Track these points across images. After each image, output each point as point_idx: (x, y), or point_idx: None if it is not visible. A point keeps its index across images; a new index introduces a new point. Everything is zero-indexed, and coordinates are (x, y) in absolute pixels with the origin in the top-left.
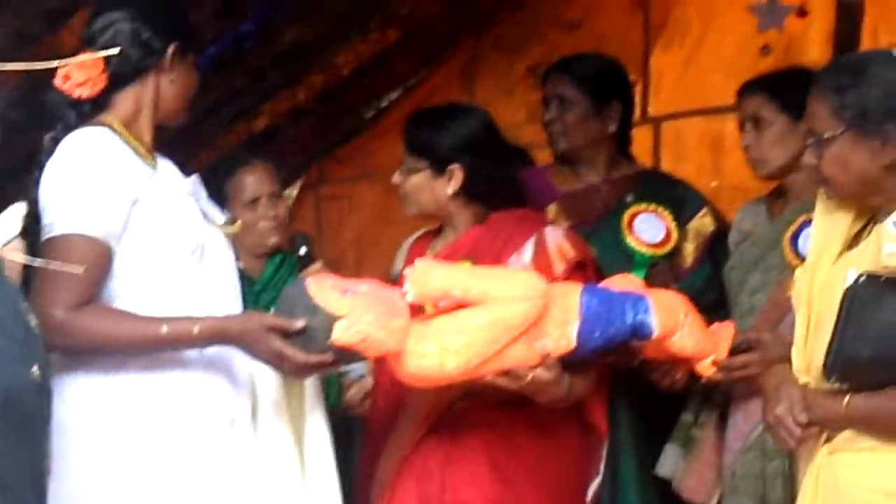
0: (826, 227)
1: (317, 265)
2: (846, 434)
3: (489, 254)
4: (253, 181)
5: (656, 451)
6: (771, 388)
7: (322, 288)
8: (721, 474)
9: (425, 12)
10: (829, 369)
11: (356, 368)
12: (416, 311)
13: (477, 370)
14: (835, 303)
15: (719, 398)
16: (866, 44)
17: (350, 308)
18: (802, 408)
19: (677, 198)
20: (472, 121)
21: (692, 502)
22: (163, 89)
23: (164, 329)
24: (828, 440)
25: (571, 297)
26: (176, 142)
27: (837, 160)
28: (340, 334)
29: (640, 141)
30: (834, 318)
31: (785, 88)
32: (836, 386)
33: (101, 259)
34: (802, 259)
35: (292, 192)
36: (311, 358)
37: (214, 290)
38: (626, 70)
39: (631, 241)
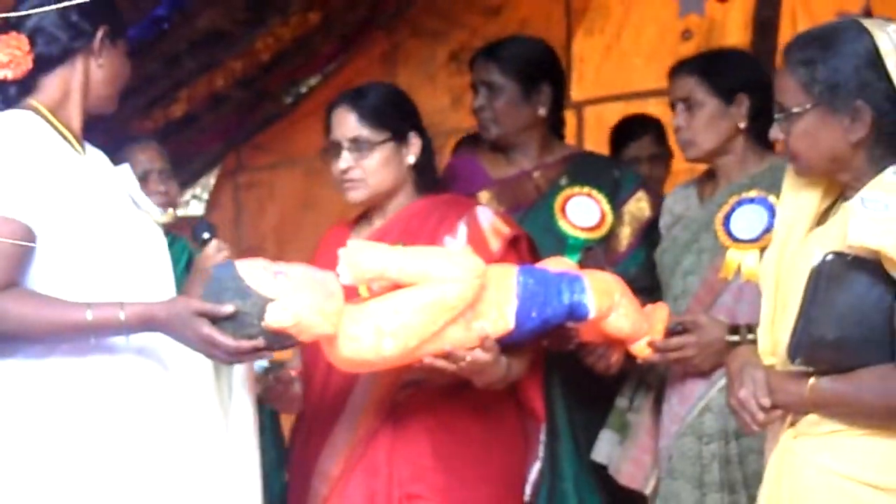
0: (793, 204)
1: (213, 243)
2: (811, 417)
3: (421, 236)
4: (143, 158)
5: (593, 436)
6: (735, 370)
7: (253, 270)
8: (658, 459)
9: None
10: (792, 351)
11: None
12: (351, 293)
13: (414, 352)
14: (801, 282)
15: (654, 382)
16: (785, 29)
17: (282, 291)
18: (766, 391)
19: (613, 180)
20: (403, 95)
21: (629, 487)
22: (92, 74)
23: (89, 315)
24: (792, 424)
25: (508, 277)
26: (91, 128)
27: (806, 136)
28: (273, 317)
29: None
30: (800, 298)
31: (717, 71)
32: (800, 368)
33: (22, 241)
34: (735, 240)
35: (209, 180)
36: (243, 344)
37: (145, 279)
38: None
39: (564, 225)
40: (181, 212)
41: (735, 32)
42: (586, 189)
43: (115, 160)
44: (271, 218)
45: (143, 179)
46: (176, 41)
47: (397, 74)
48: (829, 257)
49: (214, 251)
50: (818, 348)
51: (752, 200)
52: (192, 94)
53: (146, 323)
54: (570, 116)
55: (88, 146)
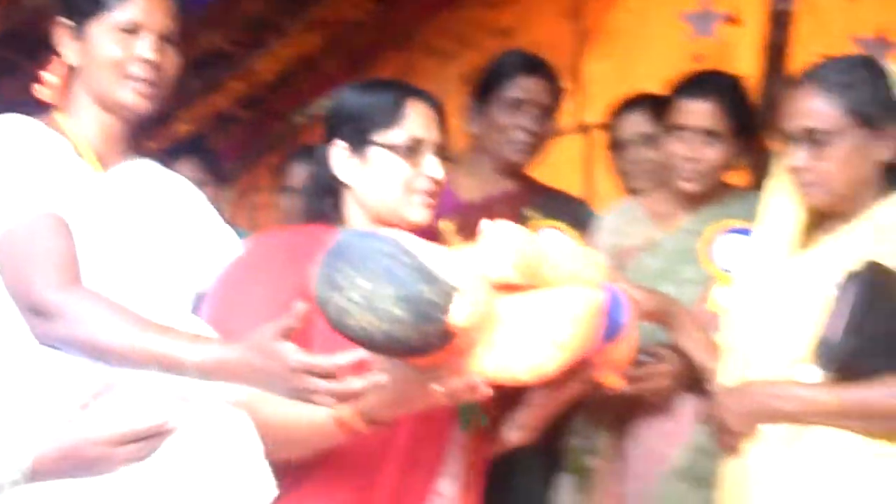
0: (776, 229)
1: None
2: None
3: None
4: None
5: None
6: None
7: (422, 246)
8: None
9: (348, 17)
10: (824, 358)
11: None
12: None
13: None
14: (802, 301)
15: (609, 420)
16: (797, 52)
17: (464, 279)
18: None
19: (580, 219)
20: None
21: None
22: (78, 72)
23: (159, 341)
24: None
25: None
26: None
27: (840, 158)
28: (461, 312)
29: (573, 149)
30: (799, 312)
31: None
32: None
33: (70, 235)
34: (725, 271)
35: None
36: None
37: (147, 297)
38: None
39: None
40: None
41: (746, 56)
42: (555, 224)
43: None
44: None
45: None
46: None
47: None
48: (867, 265)
49: None
50: (855, 354)
51: (738, 231)
52: (196, 114)
53: (219, 369)
54: (580, 139)
55: (128, 161)
